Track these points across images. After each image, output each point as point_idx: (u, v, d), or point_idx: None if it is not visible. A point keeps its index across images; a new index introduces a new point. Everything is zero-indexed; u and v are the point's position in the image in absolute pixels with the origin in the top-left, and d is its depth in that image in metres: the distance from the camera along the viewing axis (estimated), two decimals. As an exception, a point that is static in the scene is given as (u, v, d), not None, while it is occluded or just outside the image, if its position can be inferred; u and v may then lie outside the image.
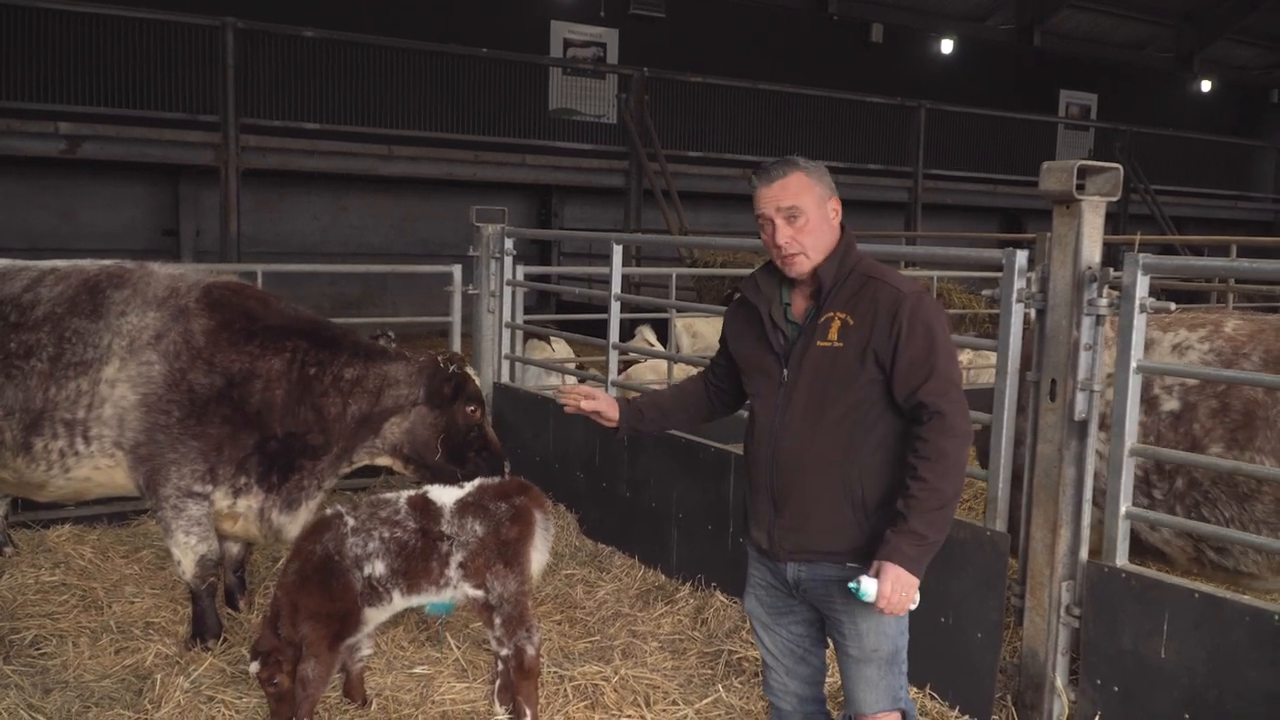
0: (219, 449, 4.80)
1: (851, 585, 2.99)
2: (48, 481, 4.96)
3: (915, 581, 2.96)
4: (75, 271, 5.12)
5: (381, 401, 4.97)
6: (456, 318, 7.68)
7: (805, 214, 3.12)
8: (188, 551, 4.87)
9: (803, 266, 3.16)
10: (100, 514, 6.41)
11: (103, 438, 4.83)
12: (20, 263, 5.30)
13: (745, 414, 3.44)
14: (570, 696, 4.37)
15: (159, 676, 4.37)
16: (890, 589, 2.94)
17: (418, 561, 4.09)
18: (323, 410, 4.91)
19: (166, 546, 4.98)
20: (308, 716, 4.04)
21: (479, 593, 4.11)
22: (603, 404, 3.59)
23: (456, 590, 4.13)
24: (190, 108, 15.11)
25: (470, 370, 5.21)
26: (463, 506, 4.16)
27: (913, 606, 3.00)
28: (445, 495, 4.21)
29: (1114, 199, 3.88)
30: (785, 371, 3.17)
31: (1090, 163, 3.81)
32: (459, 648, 4.83)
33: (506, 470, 5.07)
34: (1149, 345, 4.35)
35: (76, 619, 5.09)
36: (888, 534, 2.99)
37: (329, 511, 4.22)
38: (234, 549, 5.22)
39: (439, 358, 5.07)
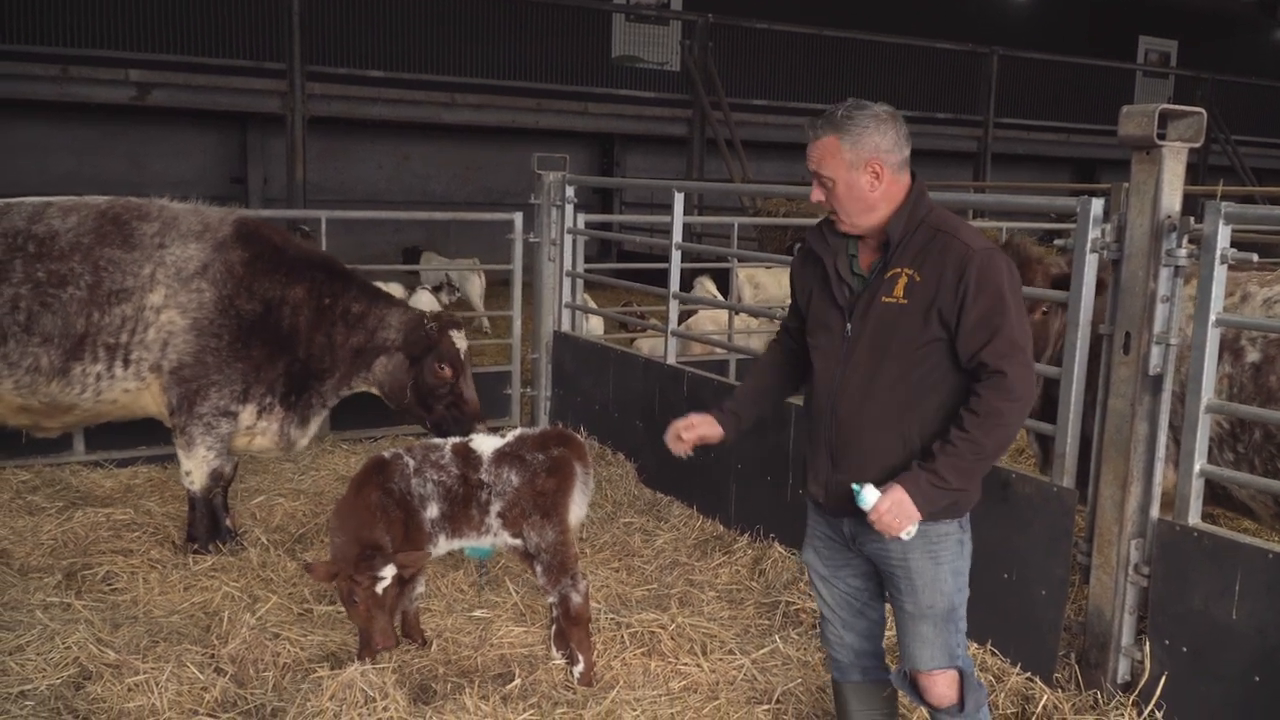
0: (257, 370, 5.31)
1: (855, 486, 2.98)
2: (77, 404, 5.27)
3: (916, 516, 2.93)
4: (81, 205, 5.37)
5: (374, 340, 5.47)
6: (518, 265, 7.69)
7: (831, 180, 3.02)
8: (203, 465, 5.34)
9: (843, 226, 3.09)
10: (172, 453, 6.54)
11: (141, 361, 5.23)
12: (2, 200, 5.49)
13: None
14: (628, 643, 4.39)
15: (226, 613, 4.48)
16: (887, 508, 2.91)
17: (460, 507, 4.15)
18: (332, 337, 5.43)
19: (180, 459, 5.40)
20: (372, 657, 4.10)
21: (517, 541, 4.16)
22: (705, 429, 3.42)
23: (497, 538, 4.20)
24: (257, 55, 15.22)
25: (457, 335, 5.49)
26: (500, 456, 4.19)
27: (905, 537, 2.96)
28: (485, 444, 4.25)
29: (1196, 145, 3.72)
30: (849, 325, 3.08)
31: (1173, 107, 3.65)
32: (517, 592, 4.87)
33: (483, 430, 4.97)
34: (1244, 300, 4.23)
35: (147, 555, 5.21)
36: (913, 464, 2.96)
37: (388, 454, 4.25)
38: (228, 469, 5.51)
39: (425, 317, 5.48)
